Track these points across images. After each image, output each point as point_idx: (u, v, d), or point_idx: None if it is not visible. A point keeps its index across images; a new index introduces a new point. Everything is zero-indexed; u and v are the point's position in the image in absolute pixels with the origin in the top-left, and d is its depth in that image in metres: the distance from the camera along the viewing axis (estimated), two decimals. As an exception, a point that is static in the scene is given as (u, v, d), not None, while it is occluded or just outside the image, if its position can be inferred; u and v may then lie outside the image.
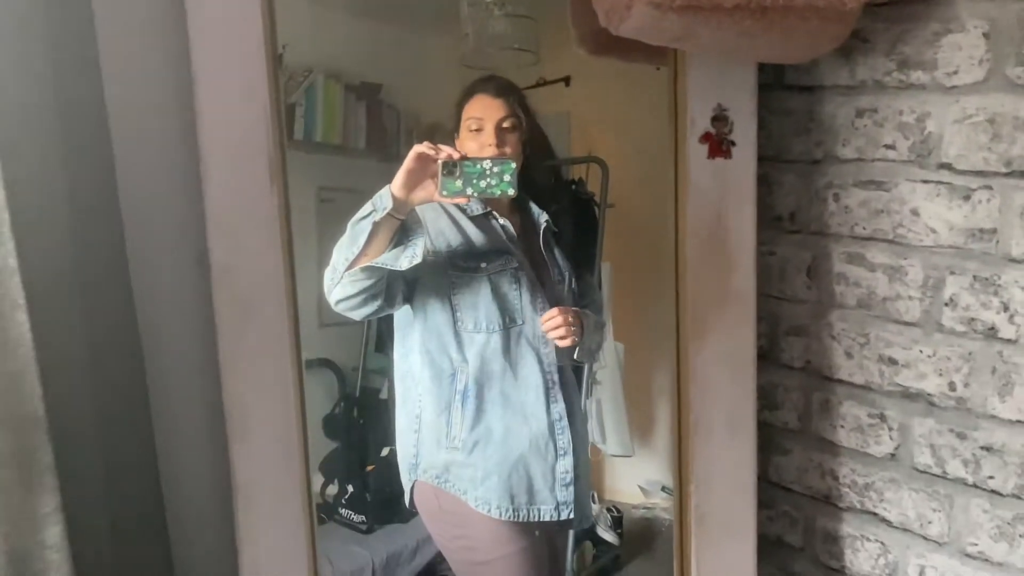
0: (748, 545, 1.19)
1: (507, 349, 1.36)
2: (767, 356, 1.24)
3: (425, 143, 1.18)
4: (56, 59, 0.86)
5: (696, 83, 1.07)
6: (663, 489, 2.44)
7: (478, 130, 1.38)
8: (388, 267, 1.19)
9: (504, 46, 2.08)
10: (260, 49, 0.98)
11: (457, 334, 1.35)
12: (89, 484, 0.92)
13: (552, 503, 1.36)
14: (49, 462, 0.87)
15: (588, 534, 2.23)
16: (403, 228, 1.24)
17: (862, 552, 1.19)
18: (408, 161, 1.15)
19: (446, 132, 1.69)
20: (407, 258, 1.24)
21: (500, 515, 1.32)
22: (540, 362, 1.37)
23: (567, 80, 2.34)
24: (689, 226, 1.11)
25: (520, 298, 1.39)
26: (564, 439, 1.37)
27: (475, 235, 1.40)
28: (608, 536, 2.30)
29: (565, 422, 1.37)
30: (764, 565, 1.23)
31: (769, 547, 1.28)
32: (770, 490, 1.28)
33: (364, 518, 1.66)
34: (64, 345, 0.89)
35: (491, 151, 1.34)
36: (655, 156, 2.21)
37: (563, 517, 1.35)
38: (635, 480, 2.49)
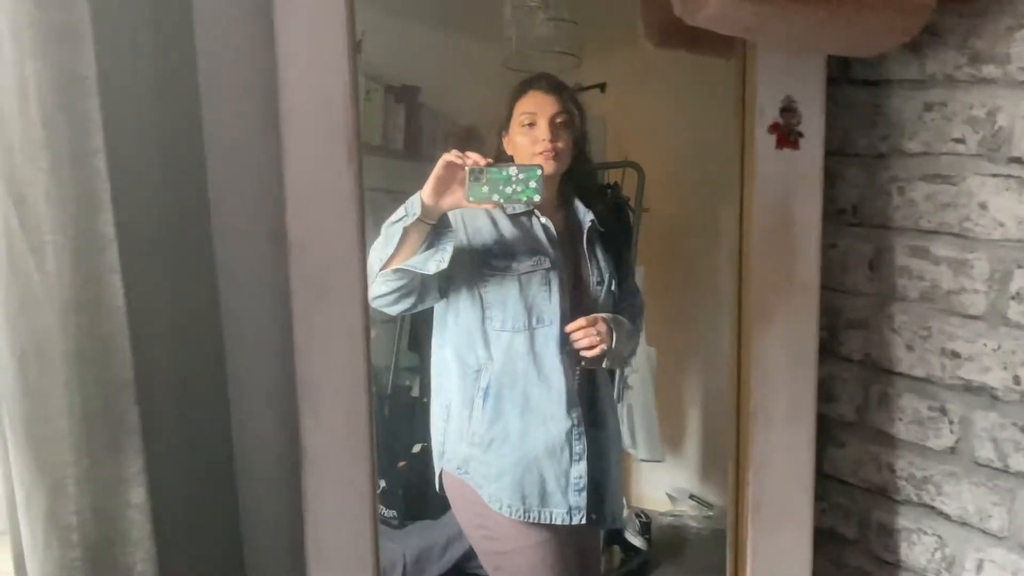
0: (804, 535, 1.20)
1: (532, 350, 1.40)
2: (826, 348, 1.25)
3: (453, 151, 1.22)
4: (155, 39, 0.90)
5: (766, 75, 1.09)
6: (691, 497, 2.46)
7: (531, 124, 1.41)
8: (417, 270, 1.25)
9: (547, 49, 2.13)
10: (342, 33, 1.01)
11: (485, 332, 1.39)
12: (168, 449, 0.95)
13: (564, 507, 1.40)
14: (135, 424, 0.90)
15: (616, 538, 2.26)
16: (435, 231, 1.28)
17: (918, 546, 1.19)
18: (437, 169, 1.20)
19: (484, 134, 1.73)
20: (435, 262, 1.29)
21: (510, 514, 1.35)
22: (564, 365, 1.39)
23: (603, 86, 2.38)
24: (755, 215, 1.12)
25: (549, 299, 1.42)
26: (580, 444, 1.39)
27: (511, 234, 1.44)
28: (636, 541, 2.32)
29: (583, 427, 1.39)
30: (817, 557, 1.24)
31: (823, 539, 1.29)
32: (824, 482, 1.29)
33: (396, 513, 1.70)
34: (151, 312, 0.92)
35: (544, 145, 1.38)
36: (692, 162, 2.25)
37: (575, 521, 1.39)
38: (663, 487, 2.52)
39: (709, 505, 2.39)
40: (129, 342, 0.88)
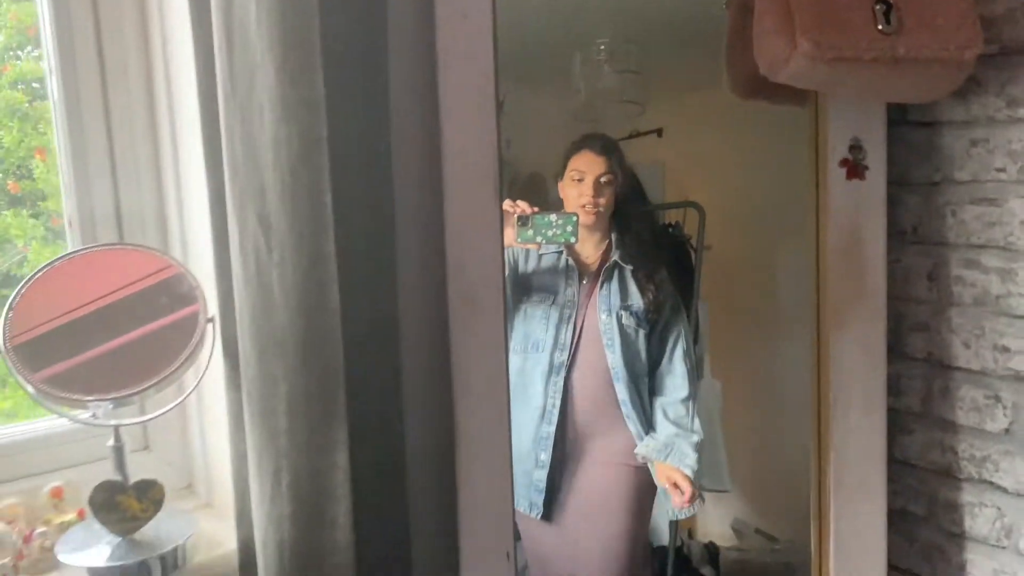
0: (880, 512, 1.38)
1: (522, 371, 1.64)
2: (892, 350, 1.44)
3: (507, 201, 1.48)
4: (366, 112, 1.13)
5: (836, 119, 1.31)
6: (757, 531, 2.54)
7: (580, 180, 1.68)
8: None
9: (613, 99, 2.31)
10: (490, 87, 1.23)
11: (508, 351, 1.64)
12: (362, 424, 1.16)
13: (526, 502, 1.66)
14: (343, 403, 1.09)
15: (686, 568, 2.36)
16: None
17: (980, 517, 1.37)
18: None
19: (544, 181, 1.96)
20: None
21: None
22: (546, 387, 1.63)
23: (659, 132, 2.52)
24: (830, 237, 1.33)
25: (546, 331, 1.66)
26: (546, 455, 1.62)
27: (535, 271, 1.69)
28: (706, 571, 2.41)
29: (552, 440, 1.62)
30: (891, 533, 1.42)
31: (896, 517, 1.47)
32: (895, 466, 1.47)
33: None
34: (356, 316, 1.13)
35: (587, 200, 1.64)
36: (753, 199, 2.35)
37: (533, 514, 1.65)
38: (727, 521, 2.59)
39: (774, 539, 2.49)
40: (341, 338, 1.08)
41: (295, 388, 1.08)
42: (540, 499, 1.66)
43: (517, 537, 1.85)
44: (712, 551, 2.46)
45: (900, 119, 1.40)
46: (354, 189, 1.12)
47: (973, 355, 1.34)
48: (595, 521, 1.70)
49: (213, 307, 1.14)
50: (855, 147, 1.31)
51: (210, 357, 1.17)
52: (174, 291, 1.15)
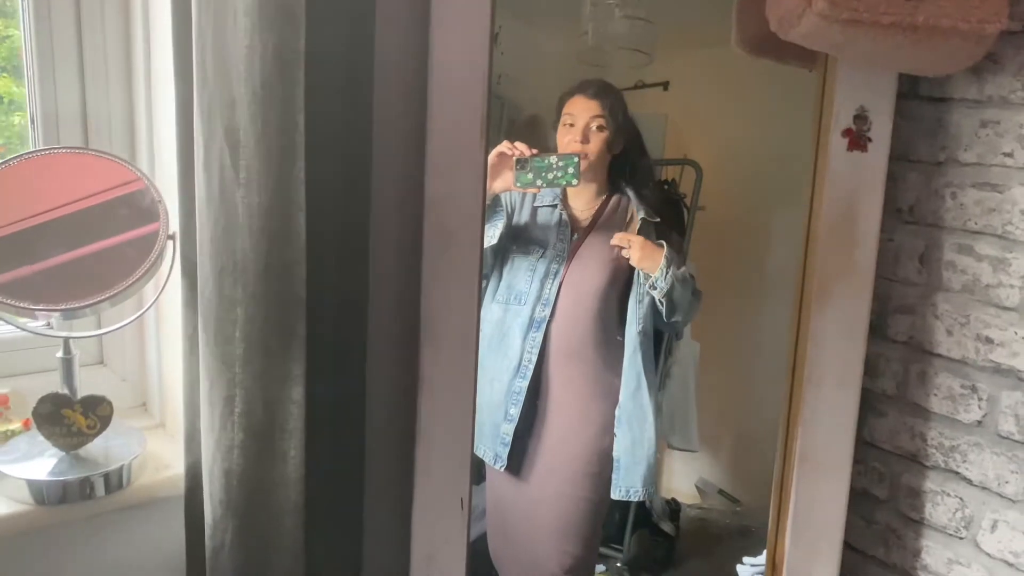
0: (842, 489, 1.37)
1: (502, 321, 1.61)
2: (874, 330, 1.41)
3: (504, 143, 1.42)
4: (348, 28, 1.07)
5: (844, 85, 1.26)
6: (720, 492, 2.56)
7: (571, 125, 1.62)
8: None
9: (622, 46, 2.24)
10: (485, 26, 1.18)
11: (481, 298, 1.60)
12: (322, 358, 1.13)
13: (492, 452, 1.67)
14: (302, 335, 1.07)
15: (645, 523, 2.38)
16: (489, 211, 1.49)
17: (941, 506, 1.36)
18: (490, 157, 1.41)
19: (545, 124, 1.90)
20: (488, 237, 1.50)
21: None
22: (524, 341, 1.60)
23: (666, 85, 2.47)
24: (824, 207, 1.29)
25: (530, 284, 1.63)
26: (515, 409, 1.61)
27: (531, 222, 1.65)
28: (665, 526, 2.44)
29: (523, 395, 1.60)
30: (850, 513, 1.41)
31: (857, 498, 1.46)
32: (863, 447, 1.46)
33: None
34: (323, 246, 1.10)
35: (575, 145, 1.58)
36: (752, 161, 2.31)
37: (496, 466, 1.66)
38: (692, 480, 2.62)
39: (736, 501, 2.52)
40: (305, 268, 1.05)
41: (253, 315, 1.05)
42: (505, 452, 1.65)
43: (476, 482, 1.86)
44: (674, 507, 2.50)
45: (911, 92, 1.34)
46: (330, 110, 1.08)
47: (955, 343, 1.31)
48: (554, 482, 1.69)
49: (175, 222, 1.10)
50: (860, 117, 1.26)
51: (168, 275, 1.13)
52: (136, 204, 1.11)
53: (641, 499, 1.73)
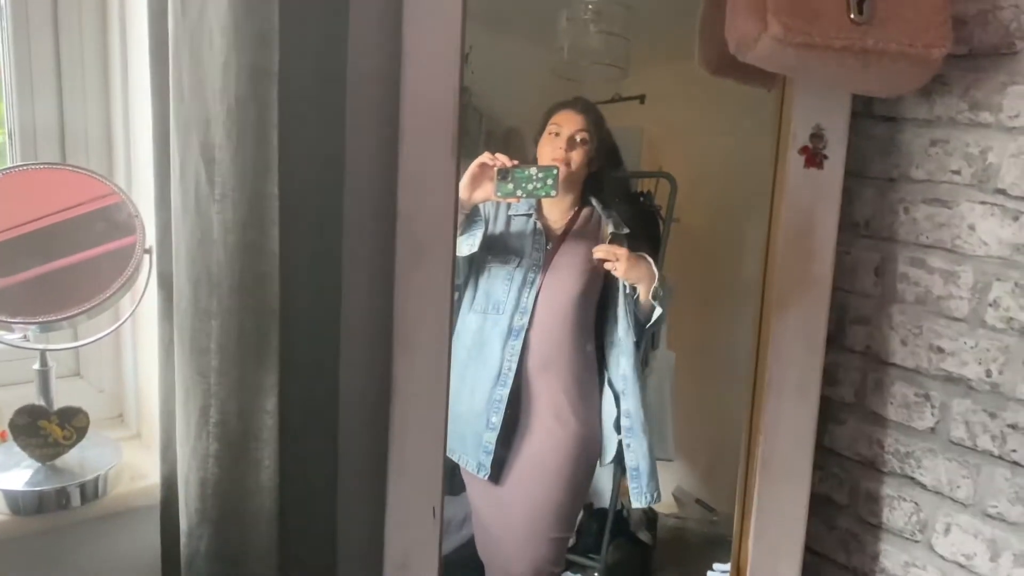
0: (803, 495, 1.41)
1: (480, 330, 1.64)
2: (833, 340, 1.46)
3: (486, 154, 1.46)
4: (320, 50, 1.10)
5: (800, 105, 1.31)
6: (697, 501, 2.58)
7: (556, 135, 1.67)
8: None
9: (596, 61, 2.28)
10: (456, 42, 1.19)
11: (458, 309, 1.61)
12: (295, 369, 1.15)
13: (475, 461, 1.66)
14: (276, 346, 1.07)
15: (623, 532, 2.40)
16: (468, 220, 1.51)
17: (898, 510, 1.41)
18: (472, 167, 1.44)
19: (523, 137, 1.94)
20: (467, 246, 1.53)
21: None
22: (503, 350, 1.63)
23: (642, 98, 2.50)
24: (782, 222, 1.33)
25: (507, 293, 1.66)
26: (497, 418, 1.63)
27: (506, 231, 1.68)
28: (643, 536, 2.45)
29: (505, 403, 1.62)
30: (812, 519, 1.45)
31: (818, 503, 1.50)
32: (823, 454, 1.50)
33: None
34: (296, 259, 1.12)
35: (560, 153, 1.63)
36: (723, 176, 2.34)
37: (480, 475, 1.65)
38: (669, 489, 2.63)
39: (712, 510, 2.54)
40: (278, 281, 1.05)
41: (227, 327, 1.06)
42: (488, 460, 1.66)
43: (455, 492, 1.87)
44: (651, 516, 2.51)
45: (864, 111, 1.40)
46: (303, 128, 1.09)
47: (909, 353, 1.36)
48: (531, 489, 1.71)
49: (152, 236, 1.12)
50: (816, 135, 1.31)
51: (145, 288, 1.15)
52: (112, 218, 1.13)
53: (660, 500, 1.76)
